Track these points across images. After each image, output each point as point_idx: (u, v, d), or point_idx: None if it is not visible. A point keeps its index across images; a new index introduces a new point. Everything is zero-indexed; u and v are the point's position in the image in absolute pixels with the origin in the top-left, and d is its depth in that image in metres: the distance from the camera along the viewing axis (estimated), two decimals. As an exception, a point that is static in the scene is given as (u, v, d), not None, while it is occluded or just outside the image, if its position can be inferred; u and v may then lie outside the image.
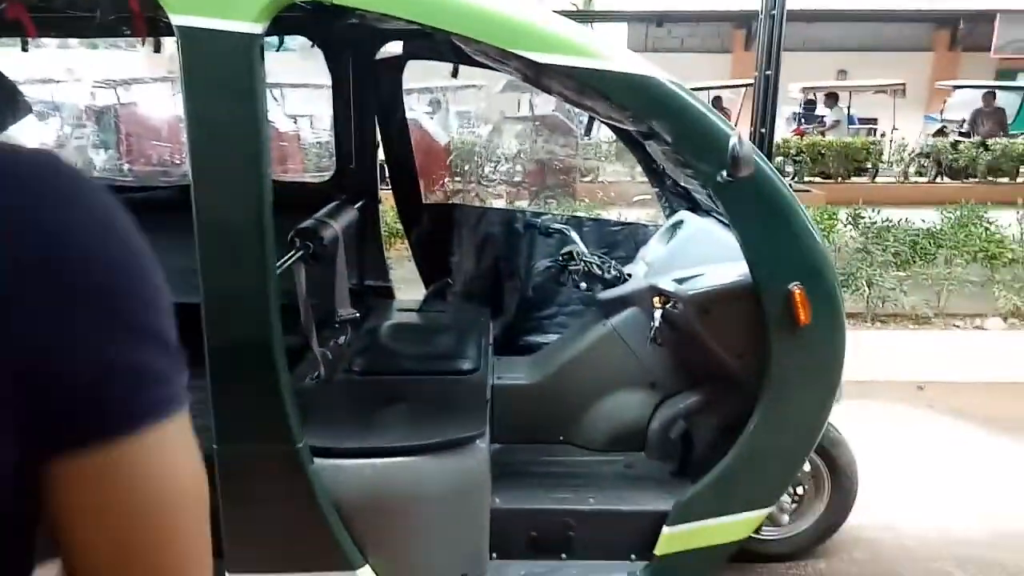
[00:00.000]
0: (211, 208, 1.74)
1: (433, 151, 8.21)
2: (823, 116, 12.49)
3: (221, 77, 1.70)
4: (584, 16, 19.94)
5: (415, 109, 11.06)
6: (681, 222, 2.59)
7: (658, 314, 2.30)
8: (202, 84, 1.70)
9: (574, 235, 2.77)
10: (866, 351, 4.39)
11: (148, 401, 0.49)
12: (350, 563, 1.90)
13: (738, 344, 2.21)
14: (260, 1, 1.65)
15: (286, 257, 2.17)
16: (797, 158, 9.56)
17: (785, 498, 2.57)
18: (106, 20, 2.15)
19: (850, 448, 2.61)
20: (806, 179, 9.50)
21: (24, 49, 2.71)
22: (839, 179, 10.16)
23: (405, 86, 3.34)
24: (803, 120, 12.26)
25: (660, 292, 2.33)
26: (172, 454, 0.51)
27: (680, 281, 2.33)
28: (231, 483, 1.82)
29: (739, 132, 1.74)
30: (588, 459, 2.48)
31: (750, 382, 2.12)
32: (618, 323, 2.53)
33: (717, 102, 12.32)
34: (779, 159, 9.23)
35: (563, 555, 2.16)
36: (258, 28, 1.68)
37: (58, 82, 10.44)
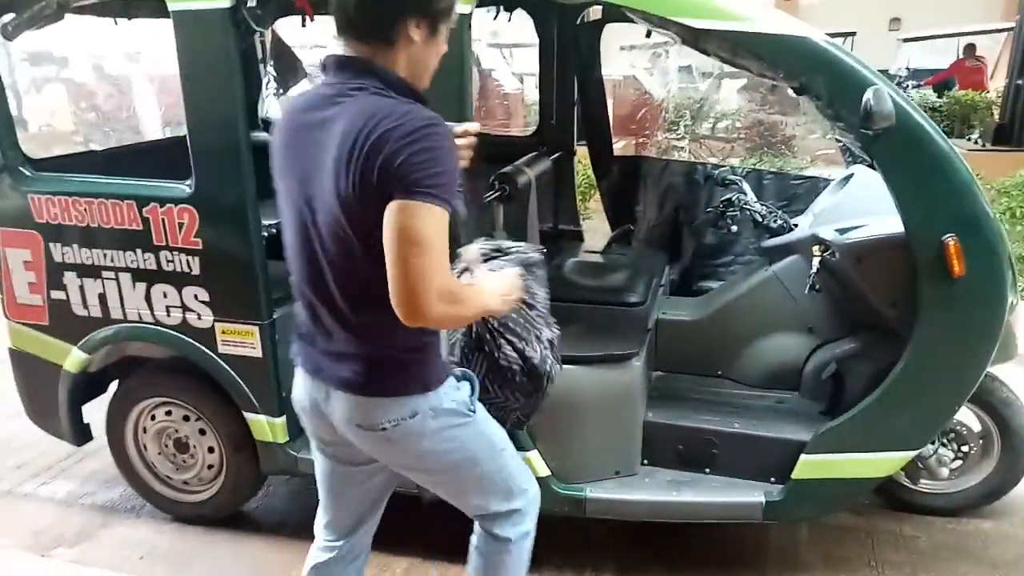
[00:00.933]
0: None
1: (647, 106, 8.35)
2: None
3: (439, 48, 2.15)
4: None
5: (635, 66, 11.17)
6: (852, 175, 2.66)
7: (816, 261, 2.44)
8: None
9: (745, 186, 2.93)
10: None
11: (431, 192, 1.29)
12: (523, 446, 2.33)
13: (892, 293, 2.29)
14: (469, -13, 2.06)
15: (486, 195, 2.62)
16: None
17: (946, 453, 2.61)
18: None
19: (1025, 411, 2.56)
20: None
21: (303, 25, 3.39)
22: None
23: (627, 43, 3.64)
24: None
25: (820, 241, 2.46)
26: (429, 217, 1.30)
27: (841, 231, 2.44)
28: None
29: (877, 87, 1.85)
30: (742, 392, 2.70)
31: (905, 331, 2.20)
32: (779, 269, 2.69)
33: (970, 50, 10.92)
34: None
35: (706, 469, 2.43)
36: (468, 8, 2.10)
37: (325, 47, 12.01)
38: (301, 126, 1.44)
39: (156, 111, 9.12)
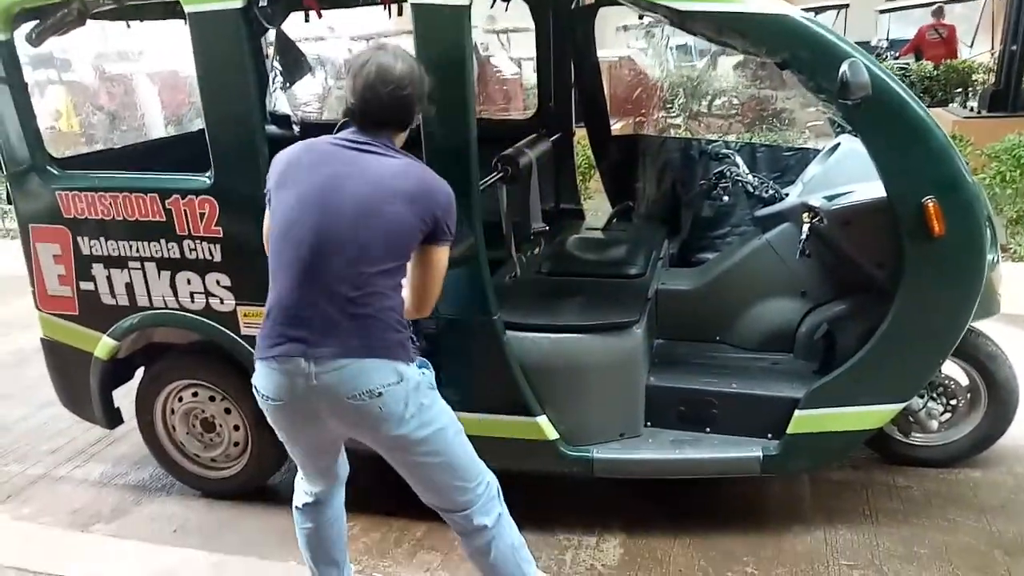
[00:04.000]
0: (434, 139, 2.34)
1: (643, 86, 8.44)
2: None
3: (440, 38, 2.27)
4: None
5: (631, 46, 11.23)
6: (838, 144, 2.77)
7: (806, 228, 2.57)
8: (427, 43, 2.28)
9: (738, 159, 3.05)
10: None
11: (447, 237, 1.78)
12: (531, 411, 2.47)
13: (879, 255, 2.42)
14: (467, -20, 2.18)
15: (488, 177, 2.74)
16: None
17: (936, 407, 2.73)
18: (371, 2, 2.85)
19: (1010, 364, 2.69)
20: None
21: (307, 20, 3.49)
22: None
23: (622, 24, 3.72)
24: None
25: (809, 208, 2.59)
26: (444, 254, 1.82)
27: (829, 198, 2.56)
28: (448, 343, 2.48)
29: (853, 59, 1.96)
30: (739, 355, 2.83)
31: (892, 291, 2.33)
32: (772, 237, 2.81)
33: (938, 13, 10.97)
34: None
35: (707, 428, 2.57)
36: (467, 1, 2.22)
37: (322, 39, 12.10)
38: (326, 157, 1.77)
39: (159, 110, 9.24)
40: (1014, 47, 6.97)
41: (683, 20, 2.20)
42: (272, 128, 3.90)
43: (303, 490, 2.09)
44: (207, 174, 2.51)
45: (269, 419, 1.89)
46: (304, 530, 2.11)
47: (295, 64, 4.11)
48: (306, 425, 1.86)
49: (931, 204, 2.13)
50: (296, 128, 3.90)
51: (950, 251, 2.20)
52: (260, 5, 2.35)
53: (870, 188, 2.40)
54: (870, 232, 2.41)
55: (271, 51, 4.01)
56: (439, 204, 1.76)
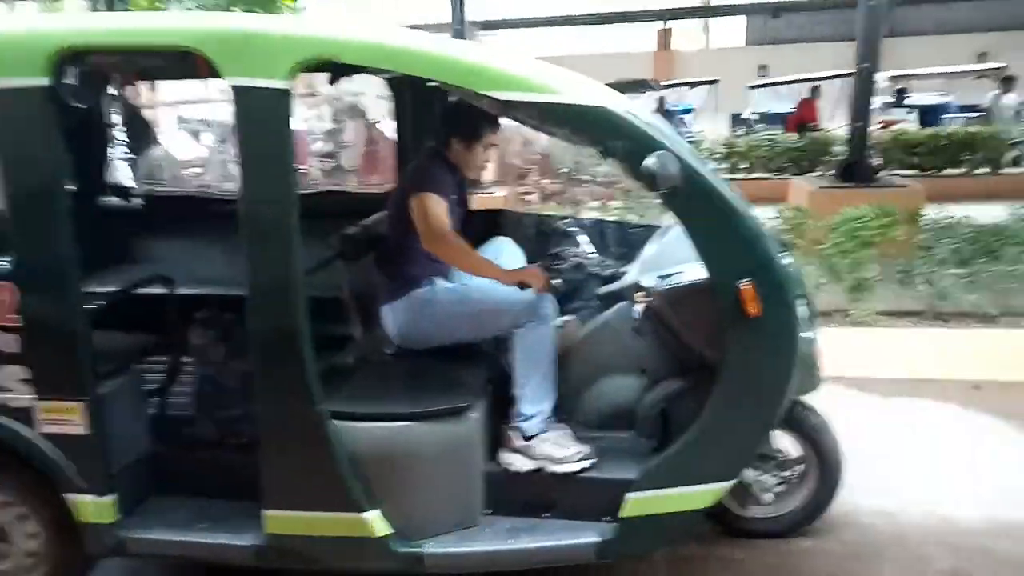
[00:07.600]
0: (254, 219, 2.24)
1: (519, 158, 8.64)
2: (918, 105, 12.17)
3: (261, 120, 2.20)
4: (703, 12, 19.75)
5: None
6: (672, 225, 2.86)
7: (639, 307, 2.60)
8: (248, 125, 2.21)
9: (581, 237, 3.10)
10: (923, 349, 4.40)
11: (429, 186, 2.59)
12: (360, 506, 2.34)
13: (706, 334, 2.47)
14: (287, 65, 2.13)
15: (325, 258, 2.66)
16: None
17: (767, 479, 2.78)
18: (191, 76, 2.76)
19: (834, 434, 2.79)
20: (894, 172, 9.17)
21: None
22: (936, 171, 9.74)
23: None
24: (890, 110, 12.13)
25: (642, 288, 2.63)
26: (435, 202, 2.60)
27: (662, 278, 2.62)
28: (268, 435, 2.33)
29: (662, 151, 2.02)
30: (583, 434, 2.80)
31: (719, 368, 2.37)
32: (611, 315, 2.84)
33: (815, 91, 12.16)
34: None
35: (545, 513, 2.51)
36: (287, 84, 2.16)
37: (209, 101, 11.80)
38: None
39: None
40: (859, 123, 7.58)
41: (506, 109, 2.23)
42: (113, 200, 3.70)
43: None
44: (7, 258, 2.31)
45: None
46: None
47: (141, 133, 3.97)
48: None
49: (746, 287, 2.20)
50: (138, 200, 3.73)
51: (766, 331, 2.27)
52: (64, 82, 2.22)
53: (697, 269, 2.46)
54: (698, 312, 2.46)
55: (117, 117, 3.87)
56: None
